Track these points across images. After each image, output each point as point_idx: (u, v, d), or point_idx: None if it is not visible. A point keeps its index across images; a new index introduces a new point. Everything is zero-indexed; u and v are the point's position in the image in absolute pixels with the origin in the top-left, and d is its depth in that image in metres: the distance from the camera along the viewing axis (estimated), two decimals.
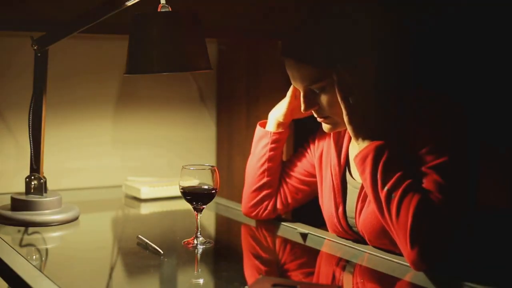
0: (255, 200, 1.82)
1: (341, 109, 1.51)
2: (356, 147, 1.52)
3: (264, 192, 1.81)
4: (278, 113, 1.80)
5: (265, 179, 1.81)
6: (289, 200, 1.82)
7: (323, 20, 1.54)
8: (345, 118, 1.51)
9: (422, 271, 1.41)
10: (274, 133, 1.80)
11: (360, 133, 1.50)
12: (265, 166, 1.80)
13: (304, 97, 1.58)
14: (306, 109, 1.59)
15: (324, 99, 1.56)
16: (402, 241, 1.42)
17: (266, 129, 1.81)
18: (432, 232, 1.39)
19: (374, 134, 1.49)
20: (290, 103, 1.77)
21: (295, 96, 1.76)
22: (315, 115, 1.61)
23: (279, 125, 1.80)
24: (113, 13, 1.64)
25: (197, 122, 2.56)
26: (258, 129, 1.84)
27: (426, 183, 1.44)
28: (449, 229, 1.41)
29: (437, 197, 1.42)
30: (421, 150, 1.47)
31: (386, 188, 1.44)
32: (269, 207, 1.82)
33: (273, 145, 1.80)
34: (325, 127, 1.62)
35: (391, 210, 1.43)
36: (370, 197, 1.48)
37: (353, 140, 1.53)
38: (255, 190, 1.82)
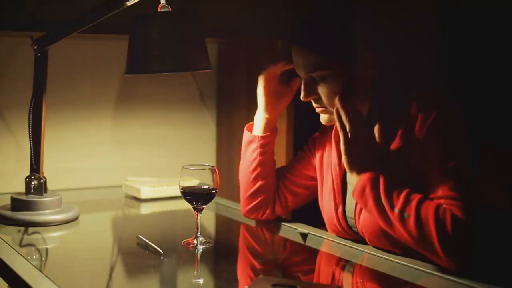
0: (251, 206, 1.81)
1: None
2: None
3: (259, 198, 1.79)
4: (260, 108, 1.77)
5: (259, 184, 1.78)
6: (289, 203, 1.81)
7: (333, 10, 1.56)
8: (342, 148, 1.52)
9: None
10: (261, 137, 1.77)
11: (355, 166, 1.50)
12: (257, 171, 1.78)
13: (305, 84, 1.58)
14: (305, 96, 1.59)
15: (323, 89, 1.56)
16: (432, 254, 1.41)
17: (254, 134, 1.79)
18: (459, 236, 1.39)
19: (369, 166, 1.49)
20: (264, 87, 1.76)
21: (267, 80, 1.75)
22: (314, 105, 1.62)
23: (267, 124, 1.77)
24: (113, 13, 1.64)
25: (197, 122, 2.56)
26: (246, 133, 1.81)
27: (439, 189, 1.44)
28: (471, 228, 1.41)
29: (452, 200, 1.42)
30: (426, 155, 1.47)
31: (396, 210, 1.43)
32: (267, 212, 1.81)
33: (262, 150, 1.78)
34: (323, 118, 1.63)
35: (410, 229, 1.42)
36: (382, 225, 1.47)
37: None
38: (250, 196, 1.80)
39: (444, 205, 1.41)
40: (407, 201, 1.43)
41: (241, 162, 1.83)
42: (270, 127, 1.79)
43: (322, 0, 1.60)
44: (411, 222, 1.41)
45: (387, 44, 1.58)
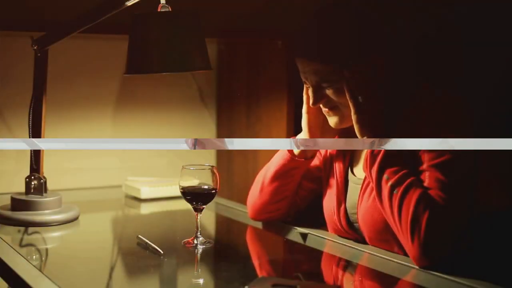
0: (269, 214, 1.80)
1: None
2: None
3: (279, 211, 1.79)
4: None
5: (284, 198, 1.77)
6: (300, 205, 1.81)
7: (335, 17, 1.55)
8: (353, 117, 1.51)
9: (425, 267, 1.42)
10: (303, 161, 1.73)
11: (366, 133, 1.51)
12: (289, 189, 1.76)
13: (314, 92, 1.57)
14: (315, 103, 1.57)
15: (331, 91, 1.55)
16: (404, 237, 1.43)
17: (299, 159, 1.72)
18: (432, 228, 1.41)
19: (379, 135, 1.50)
20: (308, 120, 1.69)
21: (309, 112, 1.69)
22: (323, 109, 1.60)
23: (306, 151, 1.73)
24: (113, 13, 1.64)
25: (197, 122, 2.56)
26: (289, 158, 1.74)
27: (428, 181, 1.46)
28: (450, 226, 1.43)
29: (438, 193, 1.43)
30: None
31: (390, 183, 1.46)
32: (281, 217, 1.81)
33: (302, 173, 1.76)
34: (332, 120, 1.60)
35: (393, 205, 1.45)
36: (375, 190, 1.49)
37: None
38: (271, 204, 1.78)
39: (432, 195, 1.44)
40: (401, 179, 1.45)
41: (272, 174, 1.75)
42: (311, 152, 1.74)
43: (322, 7, 1.58)
44: (396, 199, 1.44)
45: (394, 46, 1.58)
